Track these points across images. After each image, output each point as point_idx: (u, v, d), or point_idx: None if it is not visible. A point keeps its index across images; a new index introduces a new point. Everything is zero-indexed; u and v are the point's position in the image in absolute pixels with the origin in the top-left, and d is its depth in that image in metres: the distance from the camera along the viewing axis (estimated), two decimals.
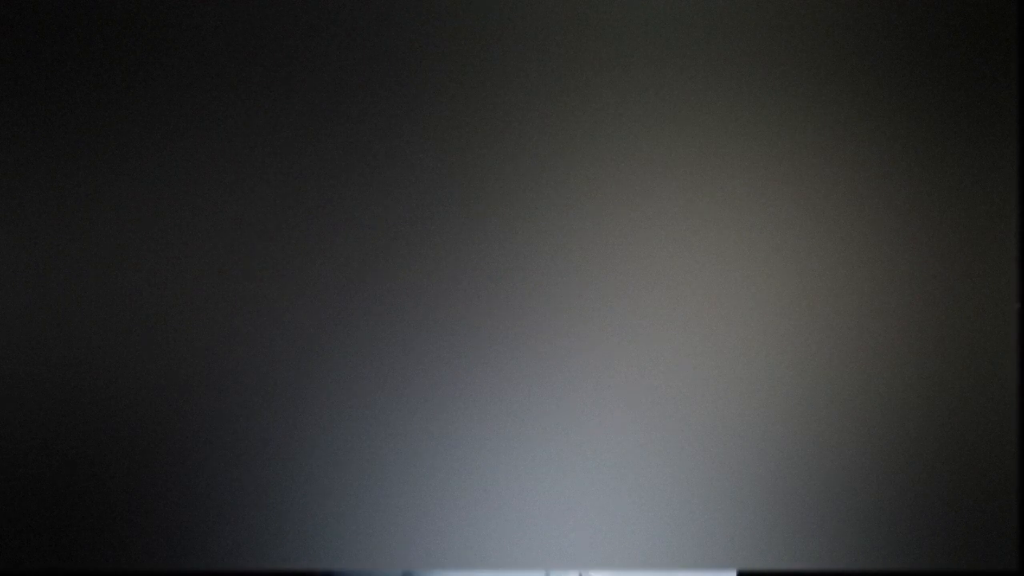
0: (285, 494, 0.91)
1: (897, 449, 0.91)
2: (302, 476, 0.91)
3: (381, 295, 0.91)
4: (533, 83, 0.92)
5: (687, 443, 0.91)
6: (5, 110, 0.92)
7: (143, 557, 0.92)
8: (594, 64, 0.92)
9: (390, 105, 0.92)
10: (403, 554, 0.91)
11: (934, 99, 0.93)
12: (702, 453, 0.91)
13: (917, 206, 0.92)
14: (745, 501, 0.91)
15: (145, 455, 0.91)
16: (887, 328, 0.92)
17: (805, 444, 0.91)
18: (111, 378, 0.91)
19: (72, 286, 0.91)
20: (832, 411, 0.91)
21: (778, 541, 0.91)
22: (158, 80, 0.92)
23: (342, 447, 0.91)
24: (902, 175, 0.93)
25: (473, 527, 0.91)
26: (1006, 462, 0.91)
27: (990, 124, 0.92)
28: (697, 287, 0.92)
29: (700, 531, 0.92)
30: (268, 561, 0.92)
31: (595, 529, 0.91)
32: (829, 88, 0.93)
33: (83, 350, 0.91)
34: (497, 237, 0.91)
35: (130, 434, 0.91)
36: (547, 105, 0.92)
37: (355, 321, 0.91)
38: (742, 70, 0.92)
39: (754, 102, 0.92)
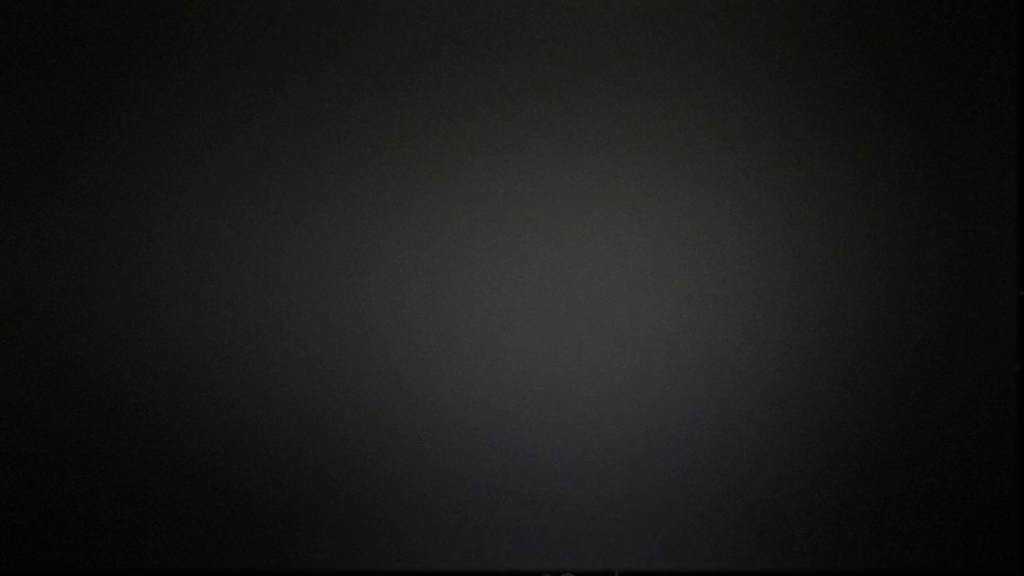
0: (285, 495, 0.91)
1: (898, 449, 0.91)
2: (303, 477, 0.91)
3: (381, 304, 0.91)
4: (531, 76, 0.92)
5: (688, 458, 0.91)
6: (9, 112, 0.92)
7: (145, 557, 0.92)
8: (593, 59, 0.92)
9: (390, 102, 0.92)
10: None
11: (935, 98, 0.93)
12: (707, 452, 0.91)
13: (917, 204, 0.92)
14: (745, 502, 0.91)
15: (146, 455, 0.91)
16: (887, 328, 0.92)
17: (805, 445, 0.91)
18: (112, 378, 0.91)
19: (76, 288, 0.91)
20: (831, 411, 0.91)
21: (778, 541, 0.91)
22: (160, 82, 0.92)
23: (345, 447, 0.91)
24: (902, 173, 0.92)
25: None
26: (1006, 462, 0.91)
27: (990, 124, 0.92)
28: (695, 291, 0.92)
29: (710, 532, 0.92)
30: (268, 561, 0.92)
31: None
32: (829, 87, 0.92)
33: (85, 350, 0.91)
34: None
35: (132, 435, 0.91)
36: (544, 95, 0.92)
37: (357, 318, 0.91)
38: (743, 69, 0.92)
39: (755, 100, 0.92)
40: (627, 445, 0.91)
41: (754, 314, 0.91)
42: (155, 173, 0.92)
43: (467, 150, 0.92)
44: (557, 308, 0.91)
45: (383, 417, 0.91)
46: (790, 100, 0.92)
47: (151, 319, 0.91)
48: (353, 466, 0.91)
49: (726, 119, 0.92)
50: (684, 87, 0.92)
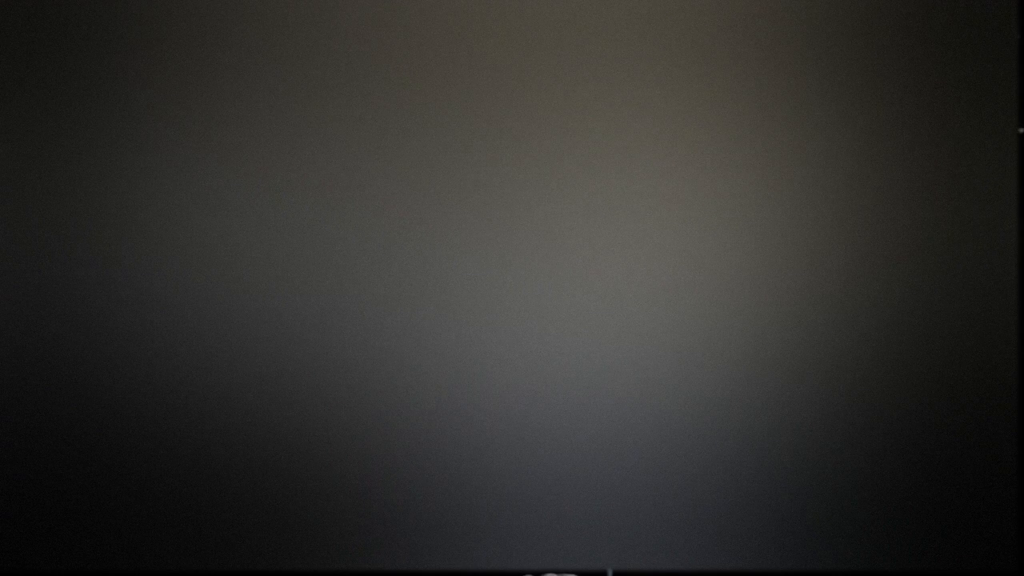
0: (285, 495, 0.91)
1: (897, 449, 0.91)
2: (302, 477, 0.91)
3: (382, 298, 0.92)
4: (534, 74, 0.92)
5: (687, 458, 0.91)
6: (11, 110, 0.92)
7: (144, 557, 0.92)
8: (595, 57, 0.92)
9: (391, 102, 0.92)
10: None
11: (935, 98, 0.93)
12: (706, 452, 0.91)
13: (917, 204, 0.92)
14: (744, 502, 0.91)
15: (145, 455, 0.91)
16: (886, 327, 0.92)
17: (805, 445, 0.91)
18: (111, 378, 0.91)
19: (75, 288, 0.91)
20: (830, 411, 0.91)
21: (777, 541, 0.91)
22: (161, 82, 0.92)
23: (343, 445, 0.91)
24: (902, 173, 0.92)
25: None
26: (1006, 462, 0.91)
27: (990, 123, 0.92)
28: (693, 292, 0.92)
29: (710, 532, 0.92)
30: (268, 562, 0.92)
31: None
32: (830, 85, 0.92)
33: (85, 350, 0.91)
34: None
35: (131, 435, 0.91)
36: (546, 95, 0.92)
37: (357, 316, 0.91)
38: (742, 69, 0.92)
39: (753, 100, 0.92)
40: (627, 446, 0.91)
41: (752, 314, 0.91)
42: (155, 173, 0.92)
43: (467, 150, 0.92)
44: (554, 309, 0.91)
45: (382, 418, 0.91)
46: (789, 99, 0.92)
47: (150, 319, 0.91)
48: (352, 466, 0.91)
49: (725, 119, 0.92)
50: (686, 86, 0.92)
